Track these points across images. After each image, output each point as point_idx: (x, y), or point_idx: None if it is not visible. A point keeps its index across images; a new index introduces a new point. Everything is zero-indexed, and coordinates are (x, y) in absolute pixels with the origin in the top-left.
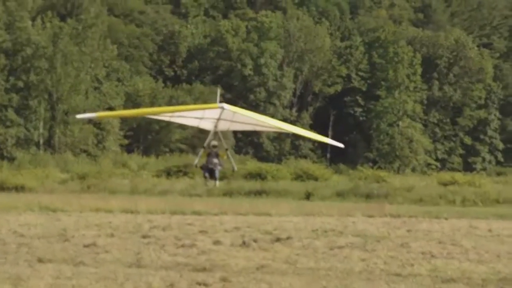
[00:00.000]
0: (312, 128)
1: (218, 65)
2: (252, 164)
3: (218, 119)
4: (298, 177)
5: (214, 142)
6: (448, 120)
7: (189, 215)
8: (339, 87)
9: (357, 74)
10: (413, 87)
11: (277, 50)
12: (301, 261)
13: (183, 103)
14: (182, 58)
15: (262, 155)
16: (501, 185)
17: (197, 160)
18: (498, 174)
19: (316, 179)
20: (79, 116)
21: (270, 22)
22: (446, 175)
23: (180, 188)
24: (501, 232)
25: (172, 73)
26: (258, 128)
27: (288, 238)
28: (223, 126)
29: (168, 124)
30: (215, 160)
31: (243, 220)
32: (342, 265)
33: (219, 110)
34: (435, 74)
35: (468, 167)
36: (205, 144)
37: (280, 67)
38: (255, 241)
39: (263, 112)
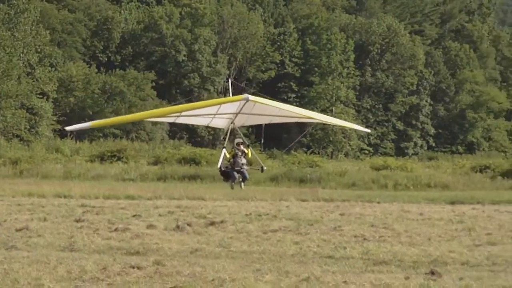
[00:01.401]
0: None
1: (152, 51)
2: (187, 149)
3: (237, 114)
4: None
5: (239, 139)
6: (380, 105)
7: (123, 199)
8: (272, 73)
9: (290, 60)
10: (346, 73)
11: (211, 36)
12: (234, 244)
13: (116, 88)
14: (115, 44)
15: (196, 140)
16: (432, 170)
17: (220, 161)
18: (430, 158)
19: (250, 164)
20: (69, 128)
21: (204, 9)
22: (378, 160)
23: (113, 173)
24: (432, 215)
25: (106, 59)
26: (275, 120)
27: (222, 222)
28: (239, 121)
29: (102, 109)
30: (243, 160)
31: (177, 204)
32: (275, 248)
33: (239, 104)
34: (368, 61)
35: (400, 152)
36: (225, 143)
37: (214, 53)
38: (189, 225)
39: (198, 98)
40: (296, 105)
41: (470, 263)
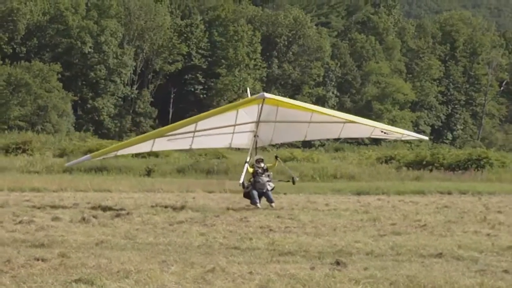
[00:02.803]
0: (153, 105)
1: (58, 43)
2: (93, 141)
3: (258, 122)
4: (139, 153)
5: (258, 157)
6: (287, 97)
7: (28, 192)
8: (179, 65)
9: (197, 52)
10: (253, 65)
11: (117, 28)
12: (140, 236)
13: (21, 80)
14: (20, 35)
15: (103, 132)
16: (339, 161)
17: (242, 177)
18: (336, 150)
19: (156, 155)
20: (68, 164)
21: (110, 0)
22: (285, 151)
23: (18, 165)
24: (338, 206)
25: (11, 51)
26: (311, 135)
27: (128, 213)
28: (264, 135)
29: (7, 101)
30: (265, 179)
31: (83, 197)
32: (181, 240)
33: (257, 107)
34: (275, 52)
35: (306, 144)
36: (248, 158)
37: (121, 45)
38: (94, 217)
39: (104, 90)
40: (204, 97)
41: (374, 253)
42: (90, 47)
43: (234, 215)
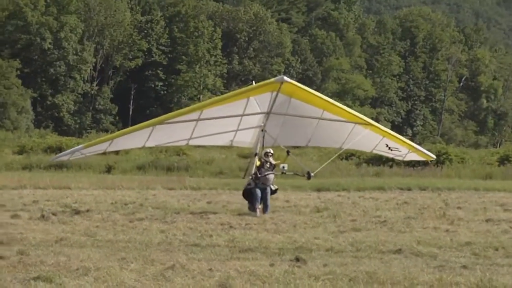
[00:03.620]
0: (113, 102)
1: (17, 39)
2: (53, 138)
3: (269, 113)
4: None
5: (269, 150)
6: None
7: None
8: (140, 61)
9: (158, 48)
10: (214, 61)
11: (77, 24)
12: (100, 233)
13: None
14: None
15: (62, 129)
16: (299, 157)
17: (248, 170)
18: (296, 146)
19: (117, 152)
20: (56, 158)
21: None
22: (245, 148)
23: None
24: (298, 203)
25: None
26: (314, 141)
27: (87, 211)
28: (271, 130)
29: None
30: (271, 176)
31: (43, 194)
32: (141, 237)
33: (271, 95)
34: (235, 49)
35: None
36: (257, 149)
37: (81, 41)
38: (54, 214)
39: (64, 86)
40: (164, 94)
41: (334, 249)
42: (49, 43)
43: (195, 212)
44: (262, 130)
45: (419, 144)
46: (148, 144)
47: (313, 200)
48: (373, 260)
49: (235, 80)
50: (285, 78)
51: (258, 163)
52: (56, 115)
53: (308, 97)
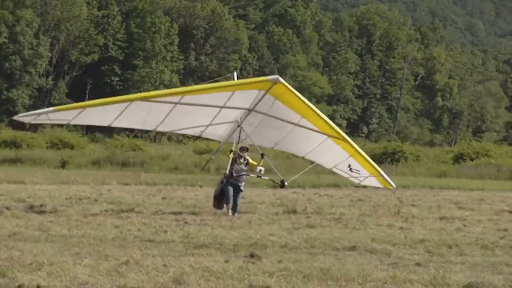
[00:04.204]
0: (69, 97)
1: None
2: (7, 133)
3: (250, 110)
4: (54, 145)
5: (244, 145)
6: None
7: None
8: (96, 56)
9: (114, 44)
10: (170, 57)
11: (33, 18)
12: (54, 228)
13: None
14: None
15: (17, 123)
16: (256, 154)
17: (228, 167)
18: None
19: (72, 147)
20: (21, 115)
21: None
22: (201, 144)
23: None
24: (254, 199)
25: None
26: (281, 145)
27: (41, 205)
28: (246, 127)
29: None
30: (243, 172)
31: None
32: (96, 232)
33: (258, 92)
34: (192, 45)
35: None
36: (233, 149)
37: (36, 36)
38: (7, 208)
39: (19, 81)
40: (120, 89)
41: (289, 245)
42: (5, 37)
43: (149, 208)
44: (238, 126)
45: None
46: (115, 124)
47: (268, 197)
48: (327, 256)
49: (191, 76)
50: (280, 79)
51: (231, 155)
52: (11, 109)
53: (293, 101)
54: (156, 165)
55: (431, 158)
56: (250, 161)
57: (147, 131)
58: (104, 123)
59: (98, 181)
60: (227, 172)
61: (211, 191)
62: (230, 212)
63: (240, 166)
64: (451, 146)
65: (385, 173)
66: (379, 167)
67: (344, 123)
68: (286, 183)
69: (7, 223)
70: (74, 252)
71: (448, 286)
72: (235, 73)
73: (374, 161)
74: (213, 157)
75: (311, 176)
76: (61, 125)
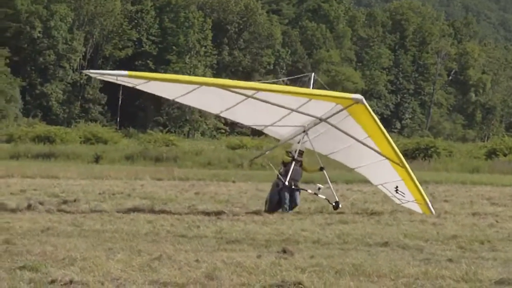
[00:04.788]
0: (102, 91)
1: (6, 27)
2: (41, 127)
3: (322, 120)
4: (87, 140)
5: (302, 149)
6: None
7: None
8: (130, 51)
9: (148, 39)
10: (204, 52)
11: (67, 13)
12: (87, 223)
13: None
14: None
15: (51, 118)
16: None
17: (281, 169)
18: None
19: (105, 142)
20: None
21: None
22: (234, 139)
23: None
24: None
25: None
26: (339, 155)
27: (75, 200)
28: (311, 134)
29: None
30: (299, 175)
31: (30, 183)
32: (129, 227)
33: (330, 106)
34: (225, 40)
35: (256, 132)
36: (291, 149)
37: (70, 30)
38: (41, 203)
39: (53, 75)
40: None
41: (321, 241)
42: (39, 32)
43: (182, 203)
44: (304, 132)
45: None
46: (180, 100)
47: (302, 192)
48: (359, 252)
49: (225, 71)
50: (364, 100)
51: (288, 158)
52: (45, 104)
53: (366, 121)
54: (189, 160)
55: (464, 154)
56: (304, 165)
57: (180, 126)
58: (169, 96)
59: (131, 176)
60: (282, 174)
61: (243, 186)
62: (287, 209)
63: (296, 167)
64: (484, 141)
65: (418, 168)
66: (411, 162)
67: (377, 118)
68: (340, 206)
69: (40, 218)
70: (107, 247)
71: (480, 282)
72: (313, 74)
73: (407, 156)
74: (267, 152)
75: (344, 172)
76: (94, 120)
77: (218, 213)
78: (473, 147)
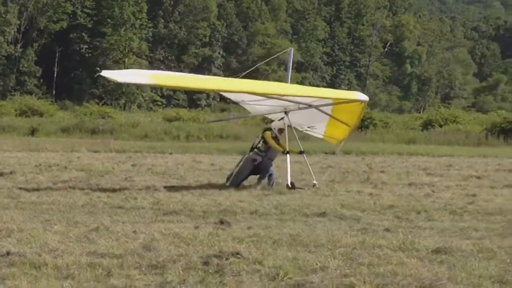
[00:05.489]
0: (38, 64)
1: None
2: None
3: (311, 106)
4: (23, 113)
5: (281, 124)
6: (173, 57)
7: None
8: (64, 24)
9: (82, 11)
10: (139, 24)
11: None
12: (23, 195)
13: None
14: None
15: None
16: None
17: (259, 145)
18: (222, 110)
19: (41, 115)
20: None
21: None
22: (171, 112)
23: None
24: (223, 166)
25: None
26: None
27: (11, 173)
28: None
29: None
30: (274, 156)
31: None
32: (65, 199)
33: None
34: (161, 12)
35: (192, 104)
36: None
37: (4, 3)
38: None
39: None
40: (89, 56)
41: (259, 212)
42: None
43: (119, 175)
44: (285, 113)
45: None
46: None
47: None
48: (297, 223)
49: (160, 44)
50: (367, 99)
51: (269, 135)
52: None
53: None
54: (126, 132)
55: (400, 125)
56: (282, 142)
57: (117, 99)
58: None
59: (67, 148)
60: (262, 151)
61: (180, 158)
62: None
63: (273, 153)
64: (420, 112)
65: (354, 139)
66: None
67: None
68: (317, 185)
69: None
70: (44, 219)
71: (417, 251)
72: (292, 49)
73: None
74: (231, 119)
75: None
76: (29, 93)
77: (155, 185)
78: (409, 118)
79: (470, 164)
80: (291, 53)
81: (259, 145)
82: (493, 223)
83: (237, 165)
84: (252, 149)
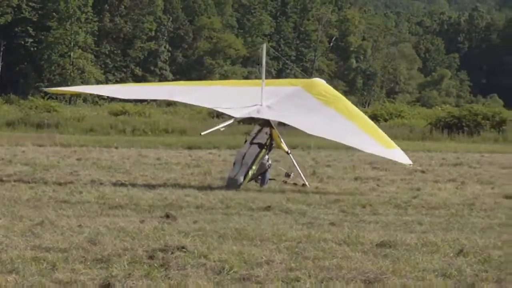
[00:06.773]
0: None
1: None
2: None
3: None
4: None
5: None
6: (119, 51)
7: None
8: (9, 17)
9: (27, 5)
10: (85, 18)
11: None
12: None
13: None
14: None
15: None
16: (170, 115)
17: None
18: (168, 104)
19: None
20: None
21: None
22: (117, 106)
23: None
24: (169, 160)
25: None
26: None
27: None
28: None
29: None
30: (266, 156)
31: None
32: (10, 193)
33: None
34: (107, 6)
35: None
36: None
37: None
38: None
39: None
40: (34, 50)
41: (204, 206)
42: None
43: (65, 169)
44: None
45: None
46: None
47: (184, 158)
48: (242, 217)
49: (106, 38)
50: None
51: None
52: None
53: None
54: (71, 126)
55: None
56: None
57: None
58: None
59: (12, 142)
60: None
61: (126, 152)
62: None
63: (257, 149)
64: (365, 107)
65: (301, 133)
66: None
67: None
68: (307, 185)
69: None
70: None
71: (362, 245)
72: (265, 45)
73: None
74: (221, 129)
75: (227, 138)
76: None
77: (100, 179)
78: None
79: (414, 159)
80: (264, 49)
81: (267, 142)
82: (437, 217)
83: (243, 158)
84: (252, 140)
